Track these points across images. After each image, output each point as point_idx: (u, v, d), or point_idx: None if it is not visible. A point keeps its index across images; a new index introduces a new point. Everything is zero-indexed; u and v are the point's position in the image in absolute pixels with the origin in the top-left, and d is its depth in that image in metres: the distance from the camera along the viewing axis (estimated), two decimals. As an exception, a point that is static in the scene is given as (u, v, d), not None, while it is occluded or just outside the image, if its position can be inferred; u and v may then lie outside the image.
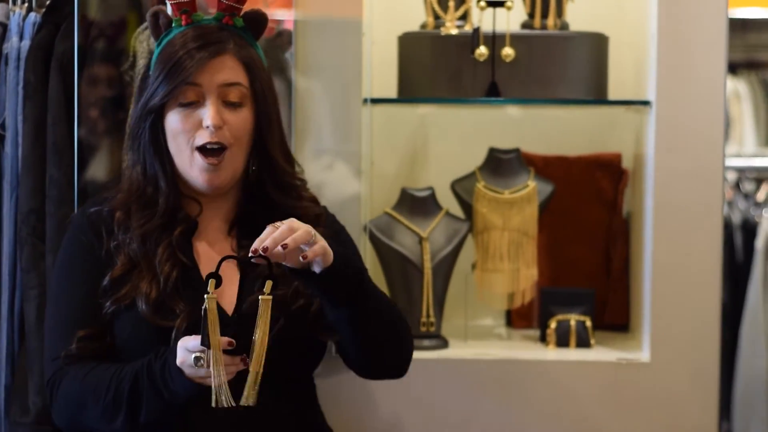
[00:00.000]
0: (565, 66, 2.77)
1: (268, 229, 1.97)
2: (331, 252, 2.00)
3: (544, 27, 2.82)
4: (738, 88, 5.26)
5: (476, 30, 2.71)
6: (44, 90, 2.60)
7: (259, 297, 1.93)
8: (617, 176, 3.05)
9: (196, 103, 2.16)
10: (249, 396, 1.95)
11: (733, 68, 5.23)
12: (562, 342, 2.84)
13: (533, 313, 3.02)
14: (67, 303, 2.19)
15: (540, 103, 2.91)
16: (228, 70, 2.17)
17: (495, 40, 2.72)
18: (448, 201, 2.90)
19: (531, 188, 2.86)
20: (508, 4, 2.72)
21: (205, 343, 1.91)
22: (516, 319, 3.07)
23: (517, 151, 2.91)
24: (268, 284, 1.93)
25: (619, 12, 2.97)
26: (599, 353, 2.79)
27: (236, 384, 1.96)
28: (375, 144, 2.82)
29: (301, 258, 1.96)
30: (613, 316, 3.03)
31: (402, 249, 2.78)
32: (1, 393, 2.62)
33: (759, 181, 4.62)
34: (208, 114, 2.15)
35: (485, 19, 2.73)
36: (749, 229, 4.44)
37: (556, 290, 2.94)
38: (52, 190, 2.57)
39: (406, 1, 2.94)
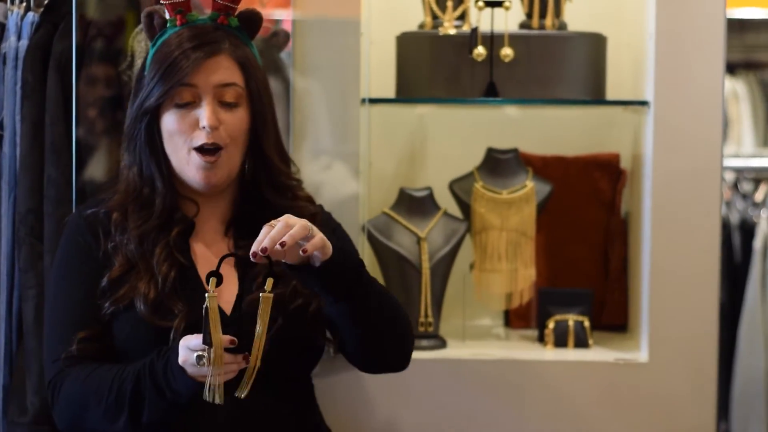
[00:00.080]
0: (563, 66, 2.77)
1: (265, 229, 1.97)
2: (329, 244, 2.01)
3: (542, 27, 2.82)
4: (736, 88, 5.26)
5: (474, 30, 2.71)
6: (42, 90, 2.60)
7: (260, 294, 1.93)
8: (615, 176, 3.05)
9: (192, 104, 2.16)
10: (243, 390, 1.96)
11: (732, 68, 5.23)
12: (560, 342, 2.84)
13: (531, 313, 3.02)
14: (65, 305, 2.19)
15: (538, 103, 2.91)
16: (223, 71, 2.16)
17: (493, 40, 2.72)
18: (446, 201, 2.90)
19: (529, 188, 2.86)
20: (506, 4, 2.72)
21: (207, 341, 1.91)
22: (514, 319, 3.07)
23: (515, 151, 2.91)
24: (269, 282, 1.93)
25: (618, 12, 2.97)
26: (597, 353, 2.79)
27: (235, 382, 1.96)
28: (373, 144, 2.82)
29: (300, 252, 1.96)
30: (611, 316, 3.03)
31: (400, 249, 2.78)
32: (-1, 393, 2.63)
33: (757, 182, 4.62)
34: (204, 115, 2.14)
35: (483, 19, 2.73)
36: (747, 229, 4.44)
37: (554, 290, 2.94)
38: (50, 189, 2.57)
39: (404, 1, 2.94)
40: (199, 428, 2.12)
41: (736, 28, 5.20)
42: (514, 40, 2.73)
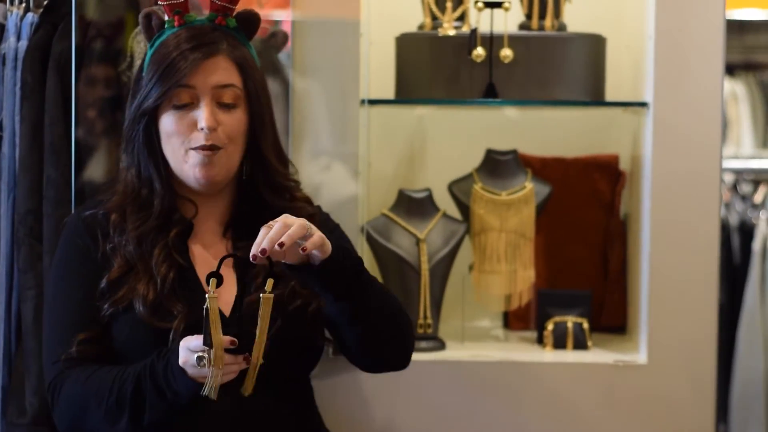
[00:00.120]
0: (562, 67, 2.77)
1: (263, 230, 1.97)
2: (328, 242, 2.01)
3: (541, 28, 2.82)
4: (735, 89, 5.26)
5: (474, 31, 2.71)
6: (42, 90, 2.60)
7: (261, 295, 1.93)
8: (614, 178, 3.05)
9: (190, 105, 2.16)
10: (247, 387, 1.97)
11: (731, 70, 5.23)
12: (559, 344, 2.84)
13: (530, 314, 3.02)
14: (64, 306, 2.19)
15: (537, 105, 2.91)
16: (221, 71, 2.16)
17: (492, 41, 2.71)
18: (445, 202, 2.90)
19: (528, 190, 2.86)
20: (506, 5, 2.72)
21: (208, 342, 1.92)
22: (513, 320, 3.07)
23: (514, 152, 2.91)
24: (270, 282, 1.94)
25: (617, 13, 2.97)
26: (596, 355, 2.79)
27: (236, 382, 1.97)
28: (372, 145, 2.82)
29: (300, 251, 1.96)
30: (611, 317, 3.03)
31: (399, 250, 2.78)
32: (-2, 394, 2.62)
33: (756, 183, 4.62)
34: (202, 116, 2.14)
35: (483, 20, 2.73)
36: (746, 230, 4.44)
37: (553, 292, 2.94)
38: (49, 190, 2.57)
39: (403, 1, 2.94)
40: (199, 429, 2.12)
41: (736, 29, 5.21)
42: (513, 41, 2.73)
